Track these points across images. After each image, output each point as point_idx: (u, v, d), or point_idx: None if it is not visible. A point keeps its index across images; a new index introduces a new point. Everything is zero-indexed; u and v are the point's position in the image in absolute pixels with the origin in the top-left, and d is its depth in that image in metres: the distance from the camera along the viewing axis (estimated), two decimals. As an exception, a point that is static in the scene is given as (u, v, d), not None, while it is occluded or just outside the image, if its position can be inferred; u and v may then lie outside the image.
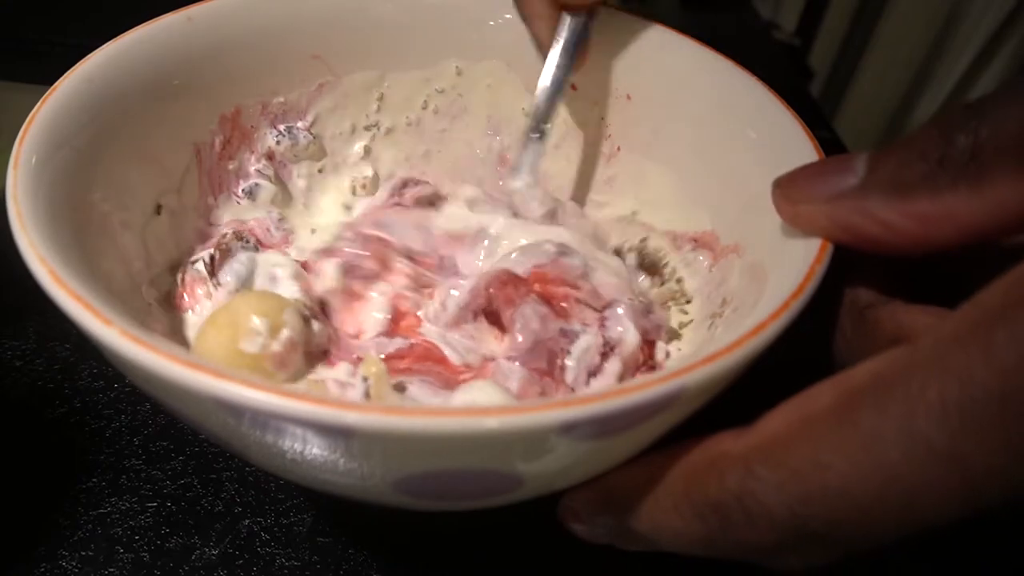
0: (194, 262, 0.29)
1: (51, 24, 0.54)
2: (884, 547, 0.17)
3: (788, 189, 0.23)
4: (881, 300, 0.22)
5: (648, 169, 0.35)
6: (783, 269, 0.23)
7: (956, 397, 0.15)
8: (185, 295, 0.29)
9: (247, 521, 0.29)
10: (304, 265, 0.30)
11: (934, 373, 0.15)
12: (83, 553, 0.27)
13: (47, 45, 0.50)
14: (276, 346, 0.26)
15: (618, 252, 0.34)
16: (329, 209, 0.36)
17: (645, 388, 0.17)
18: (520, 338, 0.27)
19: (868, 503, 0.16)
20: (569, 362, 0.27)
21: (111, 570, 0.27)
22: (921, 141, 0.19)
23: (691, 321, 0.31)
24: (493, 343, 0.28)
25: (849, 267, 0.22)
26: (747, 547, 0.18)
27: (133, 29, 0.29)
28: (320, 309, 0.29)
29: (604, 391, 0.17)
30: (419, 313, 0.30)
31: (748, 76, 0.30)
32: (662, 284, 0.32)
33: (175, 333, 0.28)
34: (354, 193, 0.36)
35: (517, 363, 0.27)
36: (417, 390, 0.27)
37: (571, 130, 0.37)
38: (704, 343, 0.28)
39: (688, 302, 0.32)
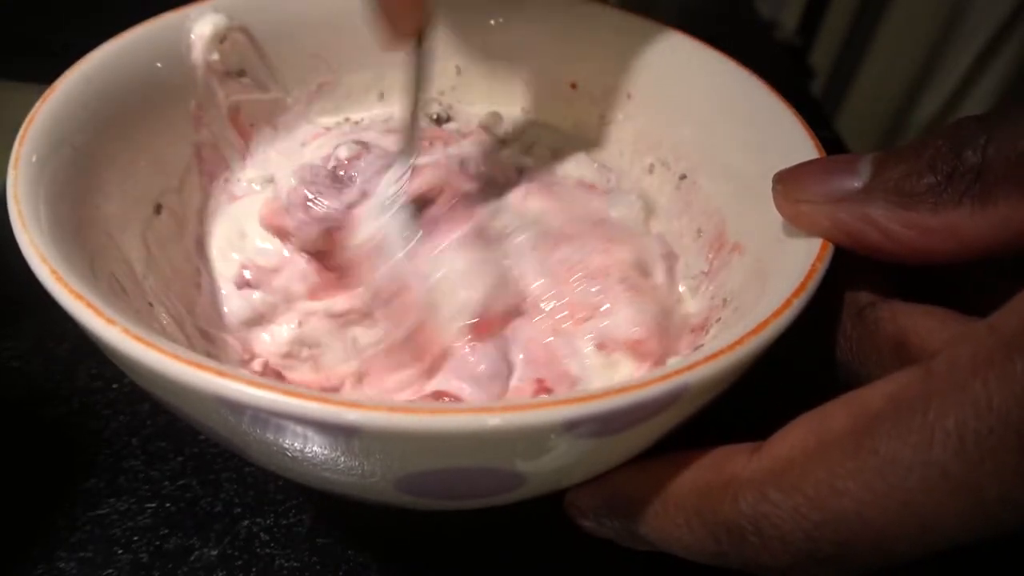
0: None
1: (50, 23, 0.54)
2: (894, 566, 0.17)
3: (789, 187, 0.23)
4: (880, 299, 0.21)
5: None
6: (784, 267, 0.23)
7: (973, 426, 0.15)
8: None
9: (246, 522, 0.29)
10: None
11: (951, 401, 0.15)
12: (81, 554, 0.27)
13: (46, 44, 0.50)
14: None
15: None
16: None
17: (648, 386, 0.17)
18: None
19: (883, 528, 0.16)
20: None
21: (109, 571, 0.27)
22: (929, 152, 0.19)
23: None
24: None
25: (847, 265, 0.22)
26: (758, 565, 0.18)
27: (133, 28, 0.29)
28: None
29: (607, 389, 0.17)
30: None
31: (749, 75, 0.30)
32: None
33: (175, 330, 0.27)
34: None
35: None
36: None
37: (570, 128, 0.37)
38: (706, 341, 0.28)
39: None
